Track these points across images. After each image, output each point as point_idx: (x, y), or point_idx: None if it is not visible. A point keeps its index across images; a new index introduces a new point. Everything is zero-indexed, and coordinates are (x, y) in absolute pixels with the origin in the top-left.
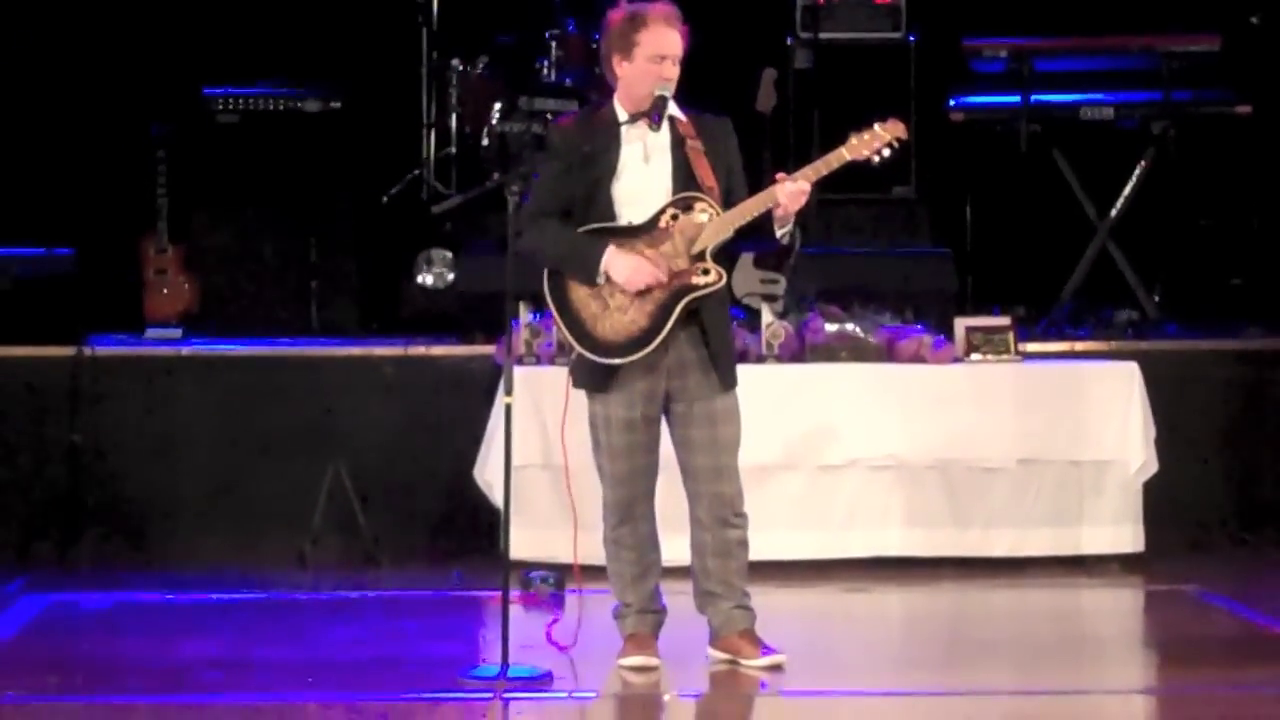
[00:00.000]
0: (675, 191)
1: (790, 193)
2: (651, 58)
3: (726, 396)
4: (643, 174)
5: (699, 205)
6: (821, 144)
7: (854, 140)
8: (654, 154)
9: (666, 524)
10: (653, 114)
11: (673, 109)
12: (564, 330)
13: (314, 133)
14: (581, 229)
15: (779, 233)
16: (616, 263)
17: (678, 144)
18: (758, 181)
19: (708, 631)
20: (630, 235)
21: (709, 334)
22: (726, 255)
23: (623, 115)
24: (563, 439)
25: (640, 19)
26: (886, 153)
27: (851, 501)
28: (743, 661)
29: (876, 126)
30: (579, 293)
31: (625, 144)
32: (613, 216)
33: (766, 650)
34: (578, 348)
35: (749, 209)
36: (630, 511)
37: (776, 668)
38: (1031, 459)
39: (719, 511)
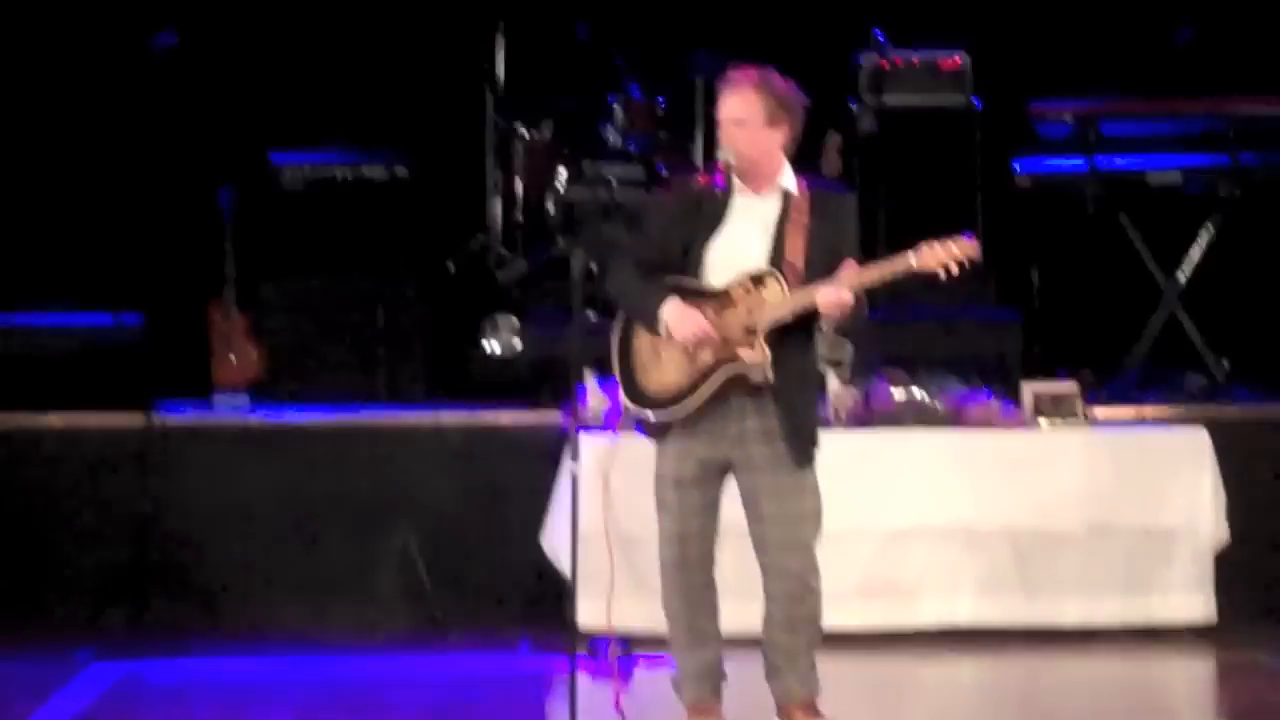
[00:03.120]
0: (767, 264)
1: (827, 300)
2: (719, 122)
3: (798, 471)
4: (739, 241)
5: (770, 281)
6: (887, 211)
7: (925, 251)
8: (756, 223)
9: (740, 591)
10: (715, 176)
11: (787, 179)
12: (615, 372)
13: (380, 199)
14: (664, 282)
15: (824, 327)
16: (672, 314)
17: (784, 216)
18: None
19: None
20: (702, 297)
21: (779, 407)
22: (805, 330)
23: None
24: (604, 500)
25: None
26: (955, 269)
27: (920, 569)
28: None
29: (951, 242)
30: (641, 340)
31: (733, 208)
32: (699, 276)
33: (813, 718)
34: (620, 390)
35: (805, 297)
36: (680, 574)
37: None
38: (1101, 526)
39: (788, 586)
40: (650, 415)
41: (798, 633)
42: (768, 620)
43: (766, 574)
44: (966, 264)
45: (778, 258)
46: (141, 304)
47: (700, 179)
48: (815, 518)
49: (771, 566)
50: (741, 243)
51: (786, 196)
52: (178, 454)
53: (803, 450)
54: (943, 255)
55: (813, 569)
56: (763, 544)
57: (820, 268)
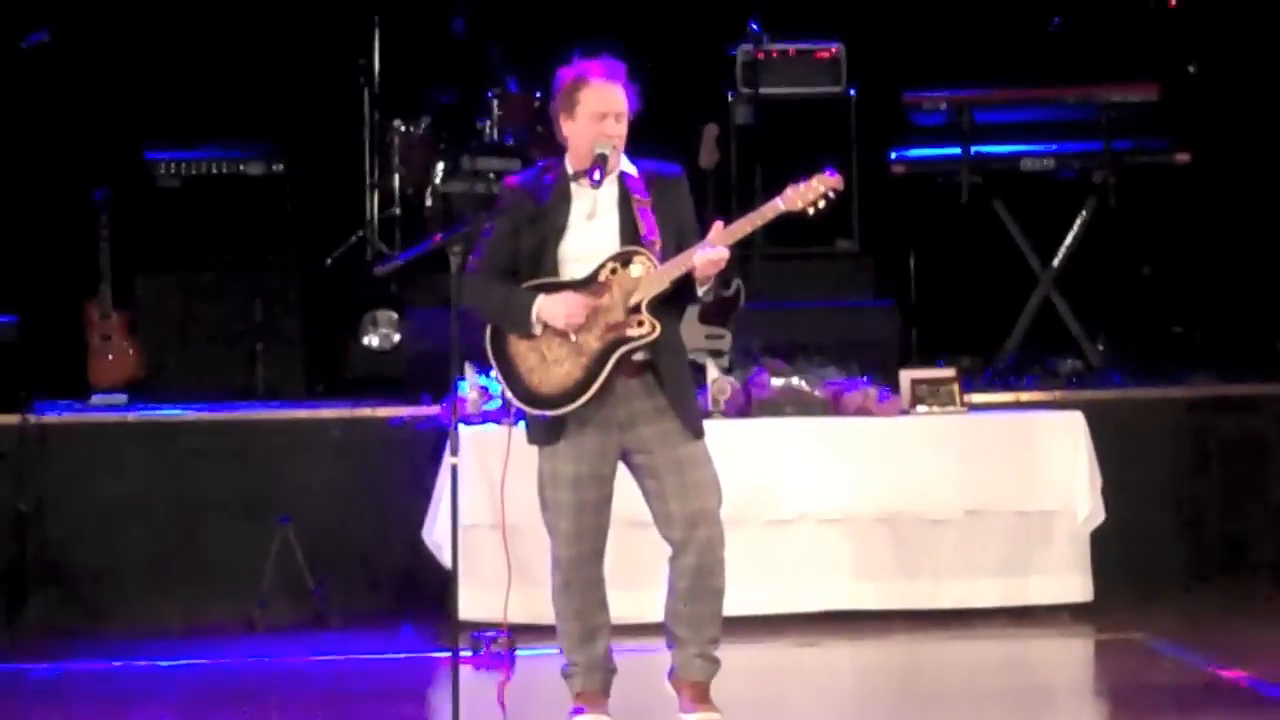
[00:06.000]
0: (621, 247)
1: (703, 260)
2: (593, 115)
3: (693, 443)
4: (589, 231)
5: (637, 259)
6: (763, 199)
7: (789, 192)
8: (601, 211)
9: (622, 581)
10: (591, 171)
11: (623, 164)
12: (502, 384)
13: (257, 195)
14: (524, 285)
15: (699, 292)
16: (547, 307)
17: (624, 199)
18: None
19: (665, 679)
20: (571, 289)
21: (664, 383)
22: (674, 308)
23: (572, 173)
24: (502, 496)
25: (582, 77)
26: (822, 204)
27: (801, 556)
28: (680, 713)
29: (813, 179)
30: (518, 347)
31: (574, 202)
32: (558, 274)
33: (698, 708)
34: (515, 401)
35: (680, 263)
36: (575, 572)
37: None
38: (979, 510)
39: (699, 559)
40: (551, 414)
41: (703, 603)
42: (672, 593)
43: (675, 548)
44: (832, 195)
45: (635, 237)
46: (16, 304)
47: (513, 181)
48: (717, 486)
49: (680, 540)
50: (593, 232)
51: (622, 179)
52: (55, 453)
53: (696, 420)
54: (807, 193)
55: (720, 539)
56: (669, 520)
57: (671, 242)
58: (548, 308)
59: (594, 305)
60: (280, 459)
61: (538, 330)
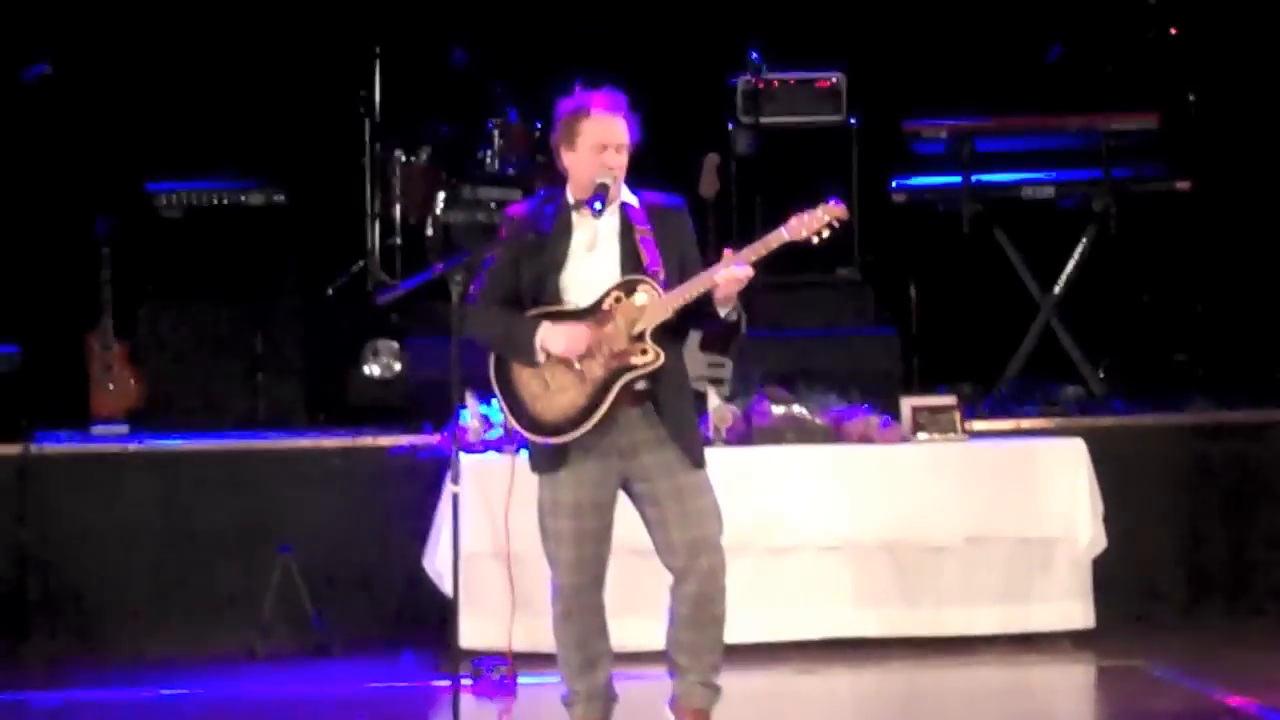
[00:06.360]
0: (622, 277)
1: (727, 278)
2: (594, 147)
3: (694, 472)
4: (591, 261)
5: (641, 287)
6: (764, 229)
7: (793, 221)
8: (603, 241)
9: (624, 609)
10: (591, 202)
11: (625, 194)
12: (505, 411)
13: (258, 225)
14: (527, 314)
15: (721, 312)
16: (550, 336)
17: (626, 230)
18: (706, 266)
19: (666, 706)
20: (574, 318)
21: (663, 413)
22: (676, 337)
23: (573, 203)
24: (506, 525)
25: (583, 109)
26: (826, 234)
27: (801, 583)
28: None
29: (818, 209)
30: (522, 374)
31: (575, 232)
32: (560, 303)
33: None
34: (518, 428)
35: (688, 290)
36: (576, 601)
37: None
38: (980, 537)
39: (701, 587)
40: (554, 441)
41: (704, 631)
42: (673, 621)
43: (677, 576)
44: (836, 225)
45: (637, 267)
46: (18, 334)
47: (515, 211)
48: (718, 514)
49: (682, 568)
50: (595, 262)
51: (624, 209)
52: (57, 483)
53: (697, 450)
54: (812, 223)
55: (722, 567)
56: (670, 548)
57: (673, 272)
58: (551, 336)
59: (597, 336)
60: (281, 488)
61: (542, 358)
